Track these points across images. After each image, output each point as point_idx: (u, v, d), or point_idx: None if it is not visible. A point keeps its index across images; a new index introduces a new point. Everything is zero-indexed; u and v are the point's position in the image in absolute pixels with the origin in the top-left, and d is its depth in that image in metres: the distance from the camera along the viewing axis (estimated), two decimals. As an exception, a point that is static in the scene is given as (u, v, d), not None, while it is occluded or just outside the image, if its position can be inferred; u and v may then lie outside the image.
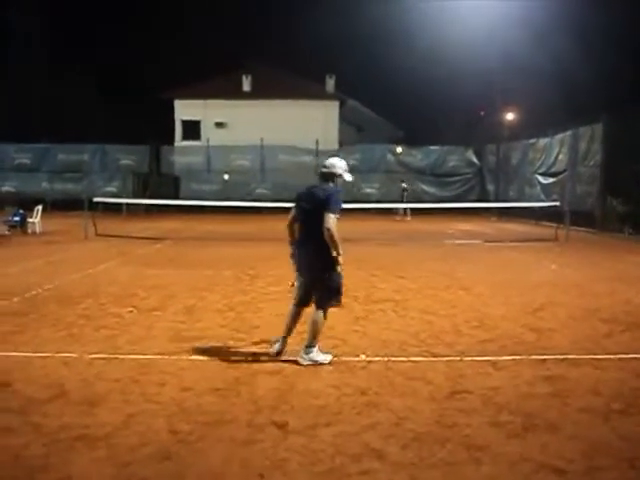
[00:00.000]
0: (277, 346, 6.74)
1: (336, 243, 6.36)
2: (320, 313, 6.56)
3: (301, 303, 6.75)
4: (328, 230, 6.29)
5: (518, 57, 36.33)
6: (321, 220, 6.30)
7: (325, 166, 6.72)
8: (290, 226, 6.81)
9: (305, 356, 6.53)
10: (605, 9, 34.19)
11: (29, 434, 4.77)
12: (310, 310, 6.69)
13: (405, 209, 31.08)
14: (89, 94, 45.85)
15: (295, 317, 6.78)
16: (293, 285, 6.87)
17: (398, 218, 30.99)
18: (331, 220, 6.30)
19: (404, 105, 52.58)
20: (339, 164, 6.73)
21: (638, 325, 8.44)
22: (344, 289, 6.65)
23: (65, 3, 53.17)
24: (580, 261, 15.19)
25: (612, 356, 6.92)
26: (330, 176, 6.66)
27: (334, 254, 6.39)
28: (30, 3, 47.97)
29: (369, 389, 5.78)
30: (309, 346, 6.54)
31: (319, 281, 6.53)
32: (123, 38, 55.13)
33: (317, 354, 6.55)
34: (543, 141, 29.07)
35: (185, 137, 40.82)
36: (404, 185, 33.24)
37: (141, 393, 5.66)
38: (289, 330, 6.77)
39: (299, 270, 6.71)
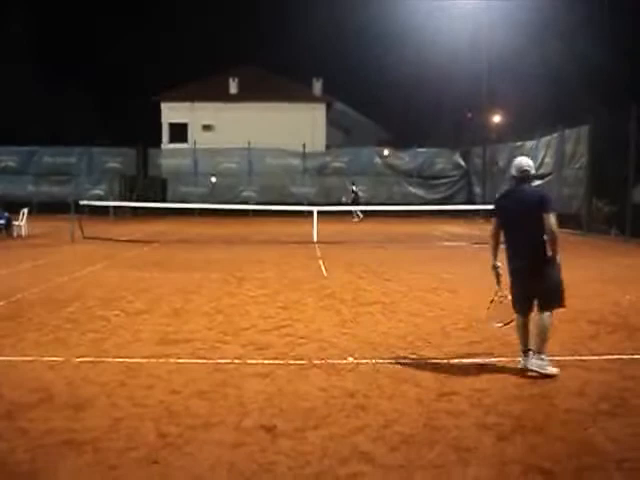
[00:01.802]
0: (523, 362, 6.43)
1: (558, 244, 6.22)
2: (548, 317, 6.33)
3: (527, 312, 6.45)
4: (553, 232, 6.16)
5: (505, 60, 36.46)
6: (538, 222, 6.16)
7: (523, 167, 6.43)
8: (495, 236, 6.56)
9: (535, 361, 6.27)
10: (593, 12, 34.37)
11: (15, 439, 4.72)
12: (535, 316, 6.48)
13: (356, 211, 31.12)
14: (76, 97, 45.67)
15: (527, 328, 6.47)
16: (494, 301, 6.67)
17: (355, 220, 30.97)
18: (554, 220, 6.17)
19: (391, 108, 52.75)
20: (532, 164, 6.56)
21: (625, 326, 8.48)
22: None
23: (52, 8, 52.99)
24: (567, 262, 15.13)
25: (598, 357, 6.94)
26: (528, 177, 6.44)
27: (553, 255, 6.24)
28: (18, 8, 47.80)
29: (357, 392, 5.77)
30: (540, 352, 6.29)
31: (543, 284, 6.30)
32: (111, 41, 55.04)
33: (548, 365, 6.26)
34: (529, 144, 29.20)
35: (172, 140, 40.82)
36: (354, 188, 33.42)
37: (128, 396, 5.63)
38: (527, 342, 6.45)
39: (518, 278, 6.41)
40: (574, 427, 5.01)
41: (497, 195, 7.01)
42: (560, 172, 26.02)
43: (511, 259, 6.46)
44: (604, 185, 22.58)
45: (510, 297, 6.49)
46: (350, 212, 31.05)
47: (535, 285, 6.33)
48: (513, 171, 6.50)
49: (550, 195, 6.52)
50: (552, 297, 6.34)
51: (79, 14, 57.45)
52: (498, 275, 6.55)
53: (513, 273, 6.44)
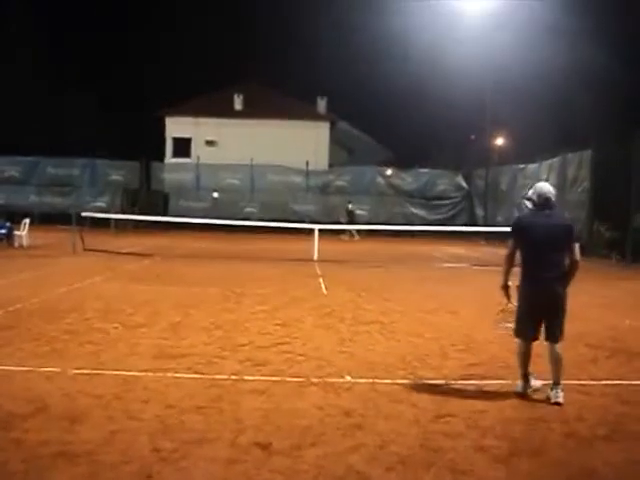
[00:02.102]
0: (521, 387, 6.43)
1: (575, 275, 6.29)
2: (561, 347, 6.33)
3: (533, 338, 6.40)
4: (577, 262, 6.22)
5: (509, 83, 36.67)
6: (562, 250, 6.20)
7: (545, 194, 6.33)
8: (511, 258, 6.43)
9: (561, 393, 6.18)
10: (597, 37, 34.56)
11: (9, 450, 4.70)
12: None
13: (350, 230, 31.00)
14: (81, 109, 45.83)
15: (529, 354, 6.43)
16: (504, 310, 6.70)
17: (345, 239, 30.81)
18: (578, 250, 6.24)
19: (395, 128, 52.90)
20: (553, 191, 6.46)
21: (623, 351, 8.46)
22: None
23: (55, 21, 53.34)
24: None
25: (597, 382, 6.93)
26: (549, 204, 6.32)
27: (568, 284, 6.31)
28: (23, 16, 48.05)
29: (354, 411, 5.75)
30: (559, 383, 6.25)
31: (558, 313, 6.30)
32: (117, 55, 55.32)
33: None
34: (532, 166, 29.27)
35: (175, 154, 40.91)
36: (350, 206, 33.48)
37: (124, 410, 5.61)
38: (527, 367, 6.45)
39: (533, 303, 6.32)
40: (572, 451, 4.99)
41: (517, 217, 6.86)
42: (562, 196, 26.03)
43: (529, 283, 6.32)
44: (606, 210, 22.60)
45: (516, 320, 6.46)
46: (345, 231, 30.91)
47: (550, 313, 6.32)
48: (534, 196, 6.39)
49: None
50: (562, 327, 6.35)
51: (84, 28, 57.90)
52: (508, 294, 6.53)
53: (528, 297, 6.32)
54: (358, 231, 31.07)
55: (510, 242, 6.47)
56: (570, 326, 10.08)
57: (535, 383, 6.47)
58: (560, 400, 6.14)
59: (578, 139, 25.70)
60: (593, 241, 23.32)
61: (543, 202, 6.32)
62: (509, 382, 6.71)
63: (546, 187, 6.45)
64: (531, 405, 6.04)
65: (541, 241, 6.22)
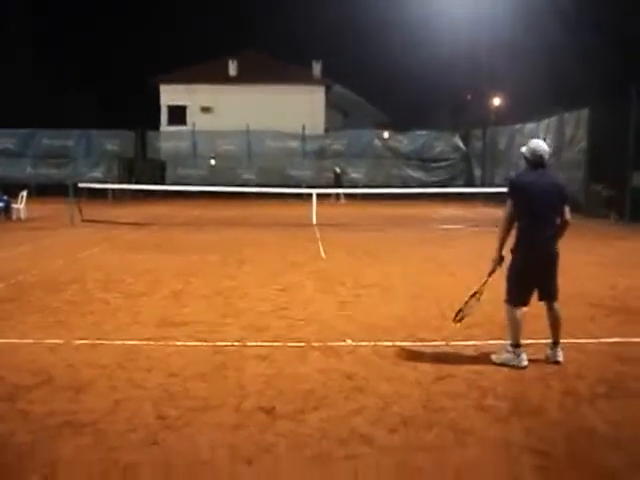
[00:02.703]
0: (524, 357, 6.12)
1: (564, 234, 6.26)
2: (558, 305, 6.29)
3: (528, 302, 6.24)
4: (568, 222, 6.19)
5: (505, 42, 36.27)
6: (556, 211, 6.15)
7: (537, 151, 6.19)
8: (511, 220, 6.20)
9: (560, 352, 6.21)
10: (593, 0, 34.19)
11: (15, 421, 4.76)
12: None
13: (338, 194, 30.96)
14: (74, 79, 45.54)
15: (524, 320, 6.25)
16: (477, 294, 6.51)
17: (332, 202, 30.74)
18: (569, 211, 6.22)
19: (391, 90, 52.68)
20: (547, 149, 6.34)
21: (622, 309, 8.51)
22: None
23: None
24: (565, 246, 15.21)
25: (596, 340, 6.98)
26: (542, 163, 6.21)
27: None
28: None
29: (356, 374, 5.80)
30: (559, 342, 6.25)
31: (554, 273, 6.22)
32: (109, 23, 54.70)
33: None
34: (529, 126, 29.11)
35: (171, 122, 40.65)
36: (337, 170, 33.44)
37: (128, 379, 5.66)
38: (520, 336, 6.21)
39: (535, 267, 6.16)
40: (571, 410, 5.05)
41: (514, 176, 6.59)
42: (559, 155, 25.97)
43: (530, 243, 6.14)
44: (603, 169, 22.52)
45: (509, 285, 6.23)
46: (330, 195, 30.79)
47: (548, 274, 6.23)
48: (527, 153, 6.26)
49: None
50: (557, 285, 6.28)
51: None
52: (496, 267, 6.32)
53: (529, 258, 6.14)
54: (346, 194, 31.00)
55: (508, 202, 6.23)
56: (569, 285, 10.14)
57: (556, 355, 6.26)
58: (560, 359, 6.16)
59: (575, 98, 25.53)
60: (591, 201, 23.29)
61: (537, 160, 6.20)
62: (508, 342, 6.76)
63: (541, 145, 6.30)
64: (530, 365, 6.07)
65: (540, 200, 6.09)
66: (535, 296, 6.28)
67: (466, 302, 6.56)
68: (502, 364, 6.10)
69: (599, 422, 4.79)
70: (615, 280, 10.64)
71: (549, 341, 6.30)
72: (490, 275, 6.37)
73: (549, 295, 6.29)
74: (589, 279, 10.75)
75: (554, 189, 6.21)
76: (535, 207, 6.12)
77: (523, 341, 6.20)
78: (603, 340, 6.99)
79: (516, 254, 6.20)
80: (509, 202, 6.24)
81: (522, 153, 6.38)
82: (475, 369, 5.97)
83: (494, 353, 6.28)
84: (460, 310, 6.58)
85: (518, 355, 6.10)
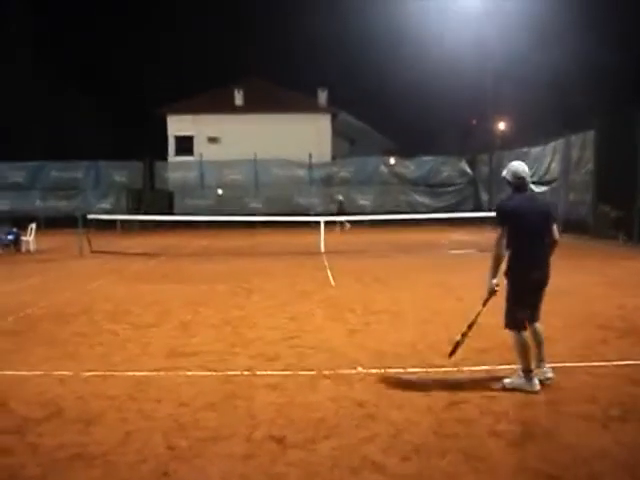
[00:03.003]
0: (536, 382, 6.07)
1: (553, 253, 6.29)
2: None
3: (532, 321, 6.29)
4: (557, 242, 6.25)
5: (509, 66, 36.57)
6: (548, 231, 6.16)
7: (519, 174, 6.20)
8: (502, 247, 6.13)
9: (549, 368, 6.23)
10: (597, 19, 34.42)
11: (25, 454, 4.74)
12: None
13: (341, 222, 30.36)
14: (83, 111, 45.91)
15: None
16: (473, 325, 6.48)
17: (338, 230, 29.87)
18: (557, 230, 6.28)
19: (396, 116, 52.88)
20: (528, 171, 6.32)
21: (633, 331, 8.45)
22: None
23: (57, 20, 53.35)
24: (574, 268, 15.21)
25: (608, 363, 6.92)
26: (524, 185, 6.23)
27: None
28: (23, 15, 48.14)
29: (367, 401, 5.77)
30: (544, 360, 6.28)
31: (544, 294, 6.26)
32: (117, 55, 55.31)
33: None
34: (535, 150, 29.16)
35: (178, 152, 40.94)
36: (340, 198, 33.41)
37: (138, 410, 5.64)
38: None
39: (535, 289, 6.19)
40: (585, 433, 4.99)
41: (502, 201, 6.57)
42: (567, 178, 25.99)
43: (527, 266, 6.10)
44: (611, 190, 22.50)
45: (511, 311, 6.18)
46: (336, 223, 30.42)
47: (541, 296, 6.26)
48: (508, 176, 6.26)
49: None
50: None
51: (85, 27, 57.86)
52: (491, 297, 6.27)
53: (530, 284, 6.13)
54: (354, 221, 30.76)
55: (499, 228, 6.15)
56: (580, 307, 10.13)
57: (546, 371, 6.25)
58: (551, 375, 6.18)
59: (581, 120, 25.59)
60: (599, 222, 23.25)
61: (520, 183, 6.20)
62: (520, 366, 6.72)
63: (521, 167, 6.27)
64: (543, 389, 6.03)
65: (531, 222, 6.08)
66: None
67: (463, 334, 6.49)
68: (514, 389, 6.04)
69: (613, 445, 4.74)
70: (623, 300, 10.58)
71: (543, 365, 6.25)
72: (484, 305, 6.33)
73: (538, 317, 6.31)
74: (598, 300, 10.69)
75: (542, 209, 6.25)
76: (526, 230, 6.10)
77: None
78: (615, 363, 6.92)
79: (514, 278, 6.15)
80: (499, 229, 6.16)
81: (504, 177, 6.37)
82: (487, 394, 5.92)
83: (506, 377, 6.23)
84: (457, 343, 6.49)
85: (530, 380, 6.04)
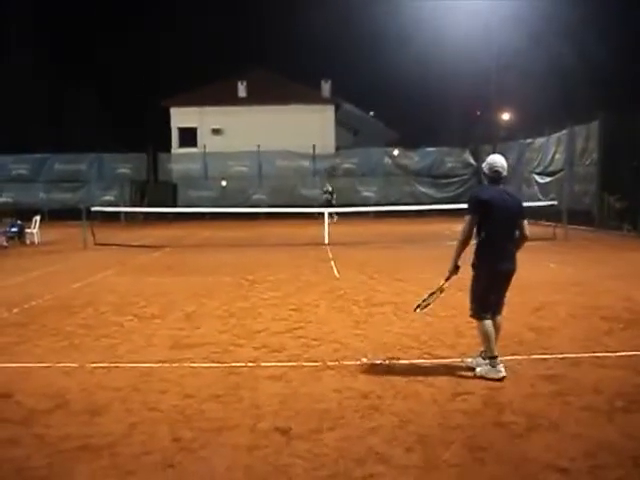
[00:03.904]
0: (503, 369, 6.17)
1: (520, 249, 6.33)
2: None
3: (496, 313, 6.38)
4: (527, 237, 6.26)
5: (513, 57, 36.36)
6: (516, 226, 6.21)
7: (495, 167, 6.24)
8: (470, 234, 6.25)
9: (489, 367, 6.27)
10: (601, 8, 34.23)
11: (31, 445, 4.76)
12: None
13: (331, 213, 29.90)
14: (86, 103, 45.88)
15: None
16: (435, 294, 6.76)
17: (330, 222, 29.54)
18: (527, 226, 6.29)
19: (400, 107, 52.63)
20: (505, 165, 6.34)
21: (638, 322, 8.43)
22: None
23: (60, 15, 53.25)
24: (579, 259, 15.20)
25: (613, 354, 6.91)
26: (500, 178, 6.27)
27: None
28: (27, 12, 48.09)
29: (371, 392, 5.77)
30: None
31: (508, 287, 6.33)
32: (120, 47, 55.15)
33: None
34: (539, 140, 29.09)
35: (182, 144, 40.84)
36: (329, 188, 33.28)
37: (143, 401, 5.65)
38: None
39: (500, 281, 6.27)
40: (589, 424, 4.99)
41: (475, 191, 6.58)
42: (571, 168, 25.93)
43: (496, 261, 6.19)
44: (615, 181, 22.46)
45: (476, 301, 6.33)
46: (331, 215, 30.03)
47: (505, 289, 6.35)
48: (485, 169, 6.33)
49: None
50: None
51: (88, 21, 57.67)
52: (453, 276, 6.46)
53: (496, 275, 6.23)
54: (359, 213, 30.48)
55: (470, 217, 6.22)
56: (585, 298, 10.12)
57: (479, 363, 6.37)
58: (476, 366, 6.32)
59: (585, 111, 25.50)
60: (603, 213, 23.23)
61: (494, 176, 6.27)
62: (524, 357, 6.73)
63: (498, 160, 6.31)
64: (547, 379, 6.03)
65: (501, 215, 6.12)
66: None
67: (431, 294, 6.82)
68: (481, 377, 6.13)
69: (618, 436, 4.74)
70: (629, 292, 10.56)
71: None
72: (447, 280, 6.60)
73: (501, 309, 6.40)
74: (603, 291, 10.67)
75: (514, 204, 6.26)
76: (497, 222, 6.15)
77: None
78: (620, 354, 6.92)
79: (480, 269, 6.28)
80: (469, 217, 6.23)
81: (481, 169, 6.47)
82: (491, 385, 5.92)
83: (477, 366, 6.32)
84: (423, 300, 6.85)
85: (495, 366, 6.15)
